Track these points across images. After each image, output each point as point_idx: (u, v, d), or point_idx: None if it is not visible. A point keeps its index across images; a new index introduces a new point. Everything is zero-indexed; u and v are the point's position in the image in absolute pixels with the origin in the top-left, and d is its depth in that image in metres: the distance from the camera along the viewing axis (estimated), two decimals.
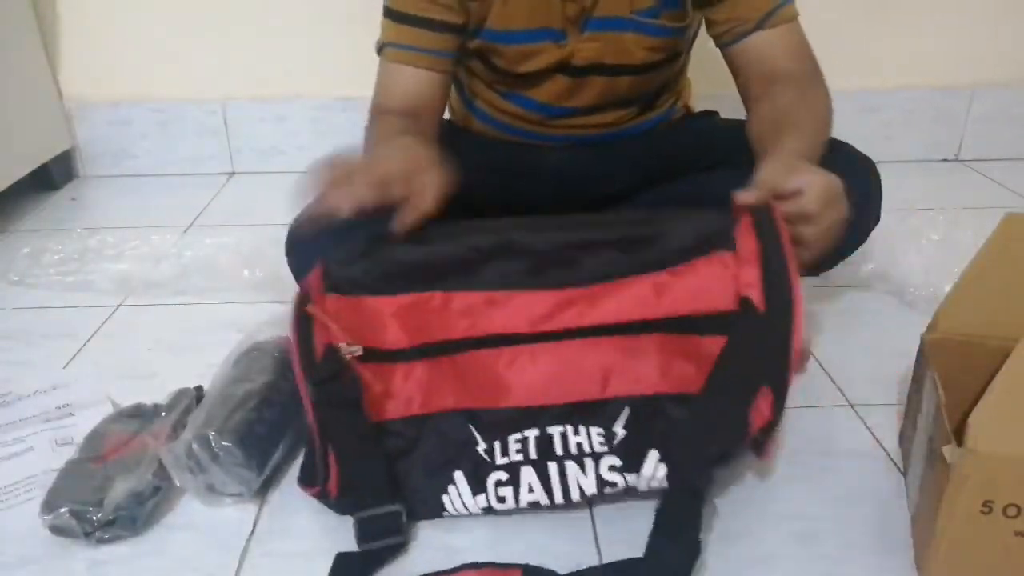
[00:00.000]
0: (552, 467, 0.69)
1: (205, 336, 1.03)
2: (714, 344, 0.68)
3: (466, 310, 0.72)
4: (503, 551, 0.69)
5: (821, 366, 0.96)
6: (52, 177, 1.58)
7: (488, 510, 0.71)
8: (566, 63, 0.93)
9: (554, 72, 0.94)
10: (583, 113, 0.98)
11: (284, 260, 0.96)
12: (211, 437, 0.72)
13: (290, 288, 0.99)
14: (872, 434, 0.84)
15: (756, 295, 0.68)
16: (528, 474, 0.70)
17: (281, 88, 1.59)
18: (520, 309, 0.71)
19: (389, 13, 0.92)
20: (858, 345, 0.99)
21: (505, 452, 0.70)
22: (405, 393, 0.72)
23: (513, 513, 0.71)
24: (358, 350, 0.71)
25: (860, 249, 0.96)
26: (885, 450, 0.81)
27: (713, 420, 0.67)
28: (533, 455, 0.70)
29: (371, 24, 0.94)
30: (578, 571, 0.65)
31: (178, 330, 1.07)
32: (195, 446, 0.72)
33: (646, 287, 0.70)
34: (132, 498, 0.71)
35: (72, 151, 1.64)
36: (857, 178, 0.91)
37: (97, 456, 0.75)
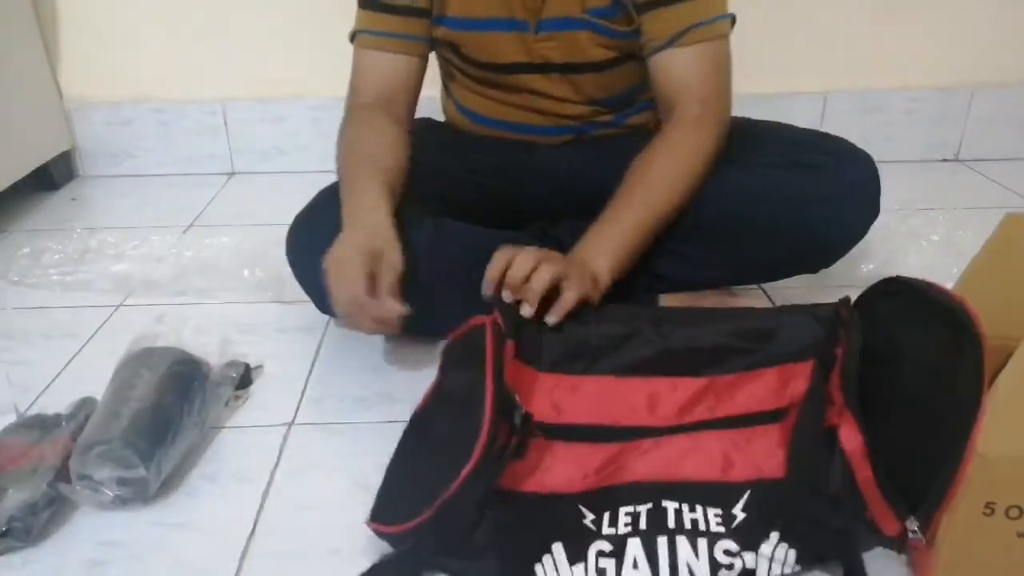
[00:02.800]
0: (662, 541, 0.64)
1: (205, 336, 1.03)
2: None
3: (607, 393, 0.73)
4: None
5: None
6: (52, 177, 1.58)
7: None
8: (528, 61, 0.94)
9: (520, 69, 0.95)
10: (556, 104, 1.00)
11: (284, 260, 0.96)
12: (90, 447, 0.72)
13: (290, 288, 1.00)
14: None
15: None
16: (634, 547, 0.64)
17: (281, 88, 1.60)
18: (659, 397, 0.73)
19: (361, 2, 0.93)
20: None
21: (613, 523, 0.66)
22: (537, 467, 0.70)
23: None
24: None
25: (860, 249, 0.96)
26: None
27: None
28: (643, 526, 0.65)
29: None
30: None
31: (179, 330, 1.07)
32: (74, 459, 0.72)
33: (773, 379, 0.72)
34: (26, 509, 0.70)
35: (72, 151, 1.64)
36: (855, 173, 0.92)
37: None
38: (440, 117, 1.14)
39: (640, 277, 0.97)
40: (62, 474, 0.73)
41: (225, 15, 1.54)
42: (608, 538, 0.65)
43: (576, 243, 0.83)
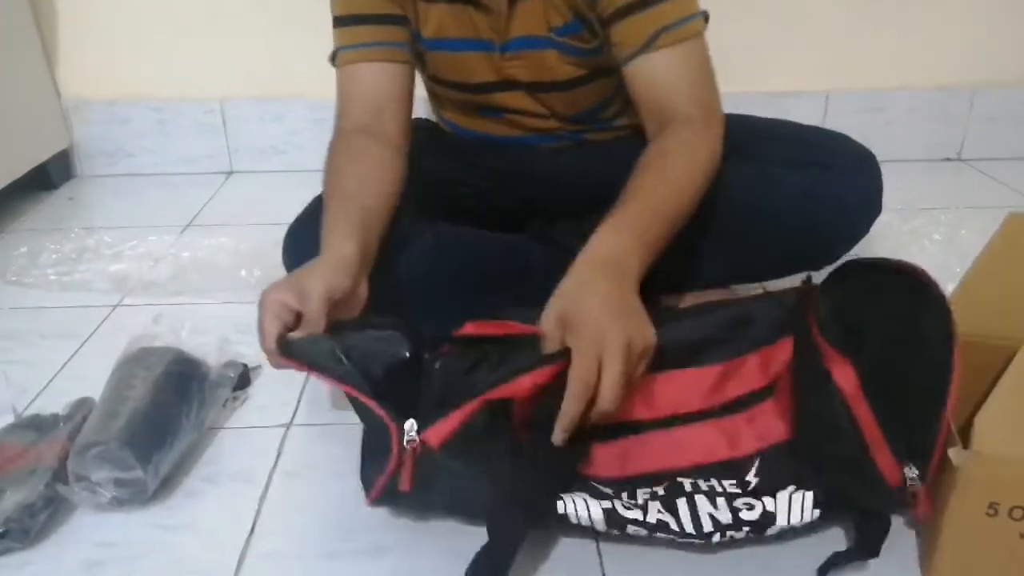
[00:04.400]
0: (681, 502, 0.66)
1: (203, 336, 1.03)
2: None
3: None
4: None
5: None
6: (50, 176, 1.57)
7: (610, 516, 0.65)
8: (496, 80, 0.93)
9: (490, 88, 0.94)
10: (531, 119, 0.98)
11: (282, 261, 0.96)
12: (88, 448, 0.71)
13: None
14: None
15: None
16: (655, 507, 0.66)
17: (279, 87, 1.59)
18: (653, 392, 0.73)
19: (337, 21, 0.91)
20: None
21: (632, 497, 0.68)
22: None
23: (636, 532, 0.65)
24: None
25: (861, 248, 0.96)
26: None
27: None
28: (661, 493, 0.68)
29: None
30: None
31: (177, 330, 1.06)
32: (71, 460, 0.72)
33: (756, 362, 0.75)
34: (23, 510, 0.70)
35: (70, 150, 1.63)
36: (857, 170, 0.92)
37: None
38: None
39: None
40: (60, 475, 0.73)
41: (223, 13, 1.54)
42: (629, 506, 0.67)
43: (593, 244, 0.74)
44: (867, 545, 0.65)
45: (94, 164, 1.65)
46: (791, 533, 0.67)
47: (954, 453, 0.60)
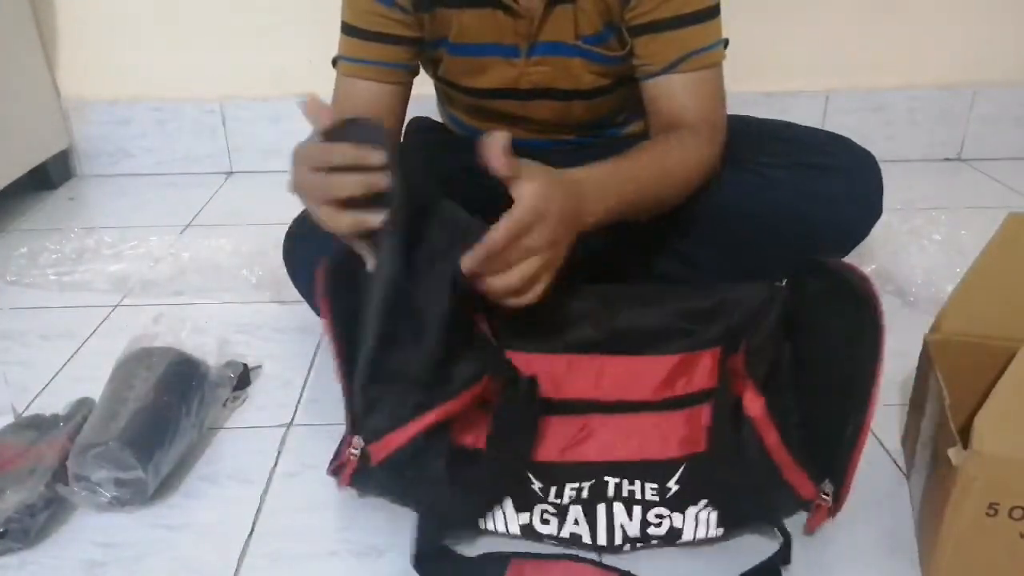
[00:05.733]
0: (600, 508, 0.69)
1: (203, 336, 1.03)
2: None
3: (558, 371, 0.76)
4: None
5: None
6: (50, 176, 1.57)
7: (527, 530, 0.68)
8: (514, 86, 0.93)
9: (503, 94, 0.94)
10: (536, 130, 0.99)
11: (283, 261, 0.96)
12: (88, 448, 0.72)
13: (289, 289, 0.99)
14: (873, 434, 0.83)
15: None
16: (575, 511, 0.69)
17: (279, 88, 1.59)
18: (605, 377, 0.76)
19: (344, 28, 0.92)
20: None
21: (559, 496, 0.71)
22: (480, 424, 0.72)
23: (551, 541, 0.69)
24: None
25: (861, 249, 0.96)
26: (886, 450, 0.81)
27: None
28: (584, 496, 0.70)
29: None
30: None
31: (177, 330, 1.06)
32: (72, 460, 0.72)
33: (708, 360, 0.76)
34: (23, 510, 0.70)
35: (70, 150, 1.63)
36: (857, 172, 0.92)
37: None
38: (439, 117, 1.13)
39: (640, 276, 0.96)
40: (60, 475, 0.73)
41: (223, 14, 1.54)
42: (553, 504, 0.70)
43: (575, 170, 0.73)
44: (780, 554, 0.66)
45: (94, 164, 1.65)
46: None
47: (954, 453, 0.60)
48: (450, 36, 0.91)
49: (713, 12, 0.85)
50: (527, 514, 0.69)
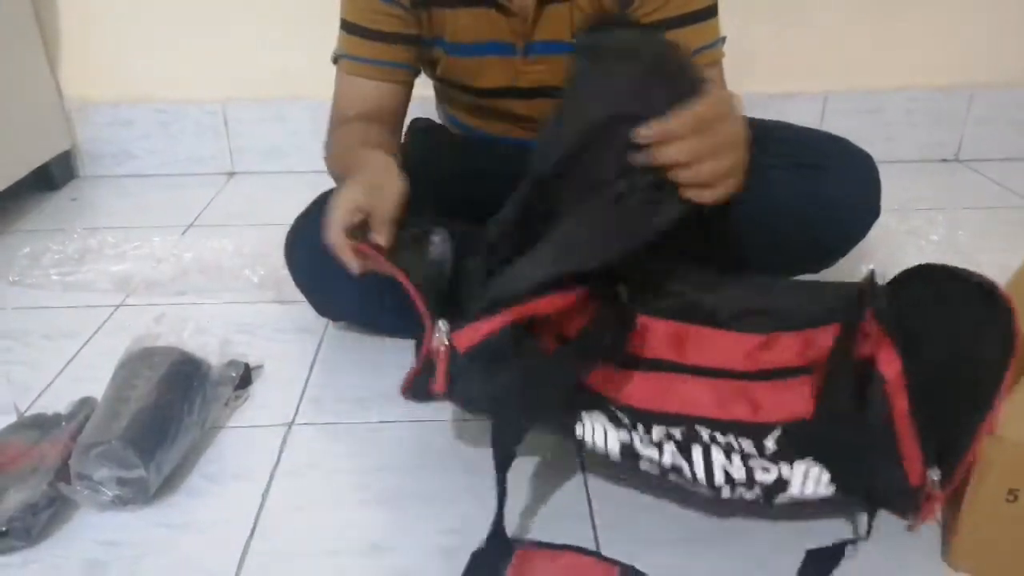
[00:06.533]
0: (696, 449, 0.66)
1: (205, 336, 1.03)
2: None
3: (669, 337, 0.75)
4: None
5: None
6: (52, 177, 1.58)
7: (626, 450, 0.65)
8: (513, 85, 0.93)
9: (504, 94, 0.94)
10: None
11: (284, 260, 0.96)
12: (90, 447, 0.72)
13: (290, 288, 1.00)
14: None
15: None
16: (670, 448, 0.66)
17: (281, 88, 1.60)
18: (722, 345, 0.75)
19: (343, 24, 0.92)
20: None
21: (648, 432, 0.68)
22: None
23: (648, 470, 0.66)
24: None
25: (859, 249, 0.96)
26: None
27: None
28: (678, 437, 0.67)
29: None
30: None
31: (179, 330, 1.07)
32: (74, 459, 0.72)
33: (798, 341, 0.74)
34: (26, 509, 0.70)
35: (72, 151, 1.64)
36: (855, 173, 0.92)
37: None
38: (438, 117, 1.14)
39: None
40: (62, 474, 0.73)
41: (225, 15, 1.54)
42: (645, 443, 0.67)
43: None
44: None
45: (97, 165, 1.65)
46: (796, 509, 0.66)
47: None
48: (446, 36, 0.91)
49: (712, 11, 0.87)
50: (626, 431, 0.66)
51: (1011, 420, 0.58)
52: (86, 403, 0.84)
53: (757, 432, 0.69)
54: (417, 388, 0.69)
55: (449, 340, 0.65)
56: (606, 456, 0.66)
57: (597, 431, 0.66)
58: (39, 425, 0.81)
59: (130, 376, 0.82)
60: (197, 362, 0.85)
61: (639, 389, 0.73)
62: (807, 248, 0.94)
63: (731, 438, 0.68)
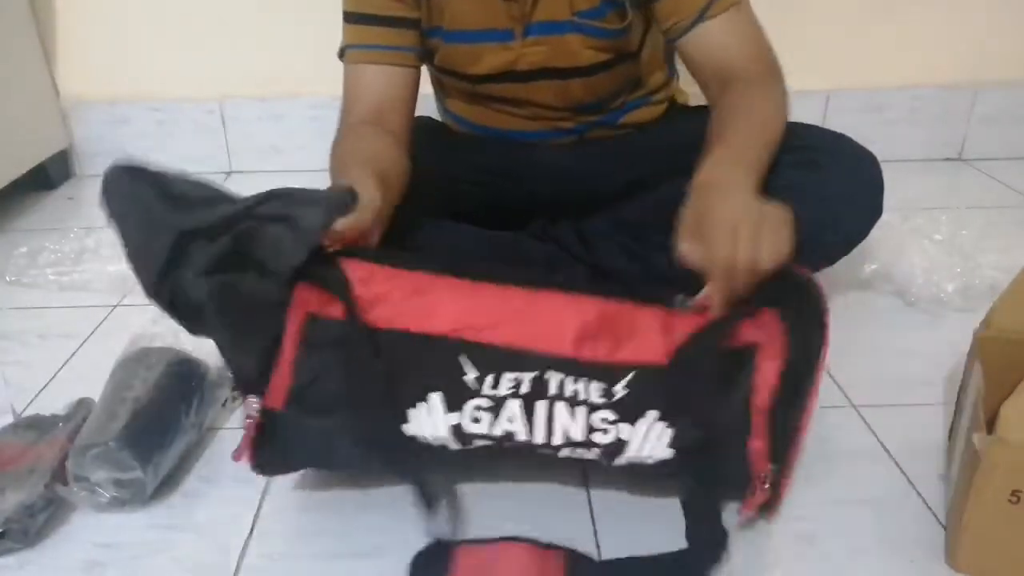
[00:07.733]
0: (540, 404, 0.65)
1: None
2: None
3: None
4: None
5: None
6: (49, 176, 1.57)
7: (457, 431, 0.65)
8: (512, 68, 0.93)
9: (502, 78, 0.94)
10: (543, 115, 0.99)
11: None
12: (87, 449, 0.72)
13: None
14: (875, 435, 0.83)
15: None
16: (513, 406, 0.66)
17: (279, 87, 1.59)
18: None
19: (347, 17, 0.92)
20: (860, 345, 0.99)
21: (495, 387, 0.66)
22: (400, 304, 0.68)
23: (483, 444, 0.66)
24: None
25: (862, 249, 0.96)
26: (887, 451, 0.81)
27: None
28: (524, 390, 0.66)
29: None
30: (618, 559, 0.64)
31: (176, 330, 1.06)
32: (71, 461, 0.72)
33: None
34: (23, 510, 0.70)
35: (69, 150, 1.63)
36: (858, 171, 0.92)
37: None
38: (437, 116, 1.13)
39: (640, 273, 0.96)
40: (59, 475, 0.73)
41: (223, 13, 1.54)
42: (488, 397, 0.66)
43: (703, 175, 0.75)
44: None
45: (94, 164, 1.64)
46: (642, 468, 0.66)
47: (978, 439, 0.60)
48: (445, 24, 0.91)
49: None
50: (457, 414, 0.66)
51: (1014, 422, 0.58)
52: (83, 404, 0.84)
53: (611, 375, 0.67)
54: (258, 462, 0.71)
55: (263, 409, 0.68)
56: (443, 447, 0.66)
57: (424, 420, 0.65)
58: (36, 426, 0.80)
59: (127, 377, 0.81)
60: (195, 363, 0.85)
61: (504, 318, 0.69)
62: (809, 247, 0.93)
63: (581, 386, 0.66)
